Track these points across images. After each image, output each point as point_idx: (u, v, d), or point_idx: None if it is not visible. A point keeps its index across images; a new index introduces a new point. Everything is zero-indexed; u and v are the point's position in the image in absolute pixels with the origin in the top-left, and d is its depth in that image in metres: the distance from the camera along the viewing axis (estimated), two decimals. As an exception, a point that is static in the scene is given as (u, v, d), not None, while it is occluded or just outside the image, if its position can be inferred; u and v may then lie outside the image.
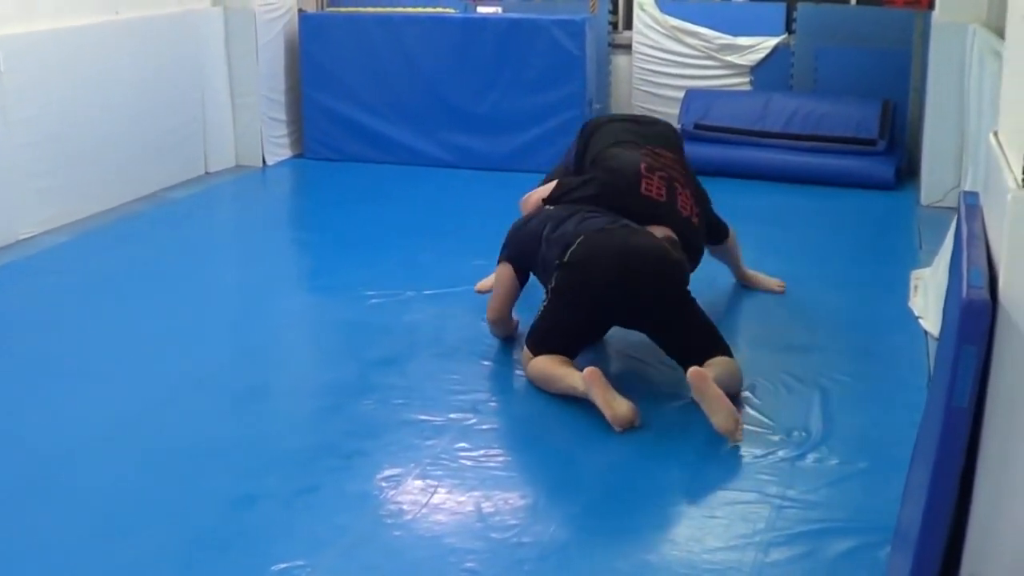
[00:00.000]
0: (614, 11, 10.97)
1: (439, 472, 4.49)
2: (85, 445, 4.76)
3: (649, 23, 10.66)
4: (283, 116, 10.33)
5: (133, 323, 6.20)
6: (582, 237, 5.24)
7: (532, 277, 5.69)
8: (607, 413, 4.79)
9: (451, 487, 4.38)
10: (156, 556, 3.92)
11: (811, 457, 4.61)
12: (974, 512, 2.90)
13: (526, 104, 9.74)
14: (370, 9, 10.53)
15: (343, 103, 10.14)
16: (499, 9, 10.62)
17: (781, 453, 4.64)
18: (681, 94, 10.13)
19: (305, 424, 5.03)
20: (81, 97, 8.20)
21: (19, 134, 7.62)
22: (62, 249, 7.59)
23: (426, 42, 9.92)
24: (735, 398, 5.03)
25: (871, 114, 9.32)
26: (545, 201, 5.85)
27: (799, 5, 10.23)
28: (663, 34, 10.62)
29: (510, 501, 4.29)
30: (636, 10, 10.73)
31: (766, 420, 4.92)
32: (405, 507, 4.23)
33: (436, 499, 4.29)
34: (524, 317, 5.76)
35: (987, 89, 6.37)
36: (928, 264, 6.64)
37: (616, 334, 5.60)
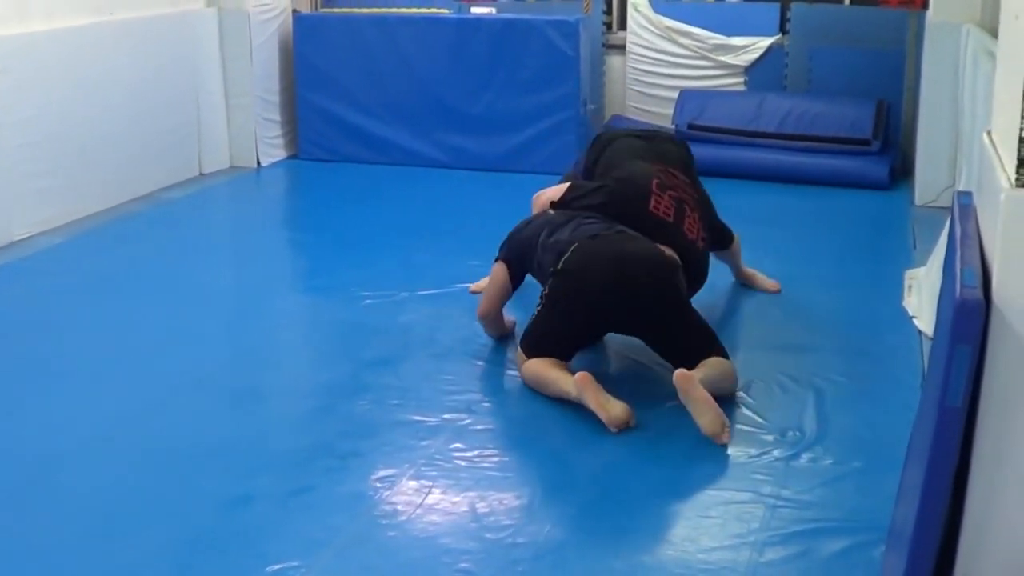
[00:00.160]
0: (608, 11, 10.97)
1: (434, 472, 4.49)
2: (80, 446, 4.76)
3: (643, 23, 10.67)
4: (277, 117, 10.33)
5: (128, 324, 6.20)
6: (576, 244, 5.24)
7: (529, 277, 5.69)
8: (602, 416, 4.79)
9: (446, 487, 4.38)
10: (151, 556, 3.92)
11: (806, 457, 4.61)
12: (968, 511, 2.90)
13: (520, 105, 9.74)
14: (364, 10, 10.53)
15: (337, 104, 10.14)
16: (493, 10, 10.62)
17: (776, 453, 4.64)
18: (675, 94, 10.14)
19: (300, 424, 5.03)
20: (75, 98, 8.19)
21: (14, 135, 7.61)
22: (57, 250, 7.59)
23: (420, 43, 9.91)
24: (729, 399, 5.04)
25: (865, 114, 9.33)
26: (554, 204, 5.84)
27: (793, 5, 10.24)
28: (657, 34, 10.62)
29: (505, 501, 4.30)
30: (630, 10, 10.73)
31: (760, 420, 4.93)
32: (400, 507, 4.23)
33: (431, 499, 4.29)
34: (520, 318, 5.76)
35: (981, 89, 6.38)
36: (922, 264, 6.65)
37: (611, 334, 5.60)
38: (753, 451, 4.66)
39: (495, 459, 4.66)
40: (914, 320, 6.06)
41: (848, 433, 4.84)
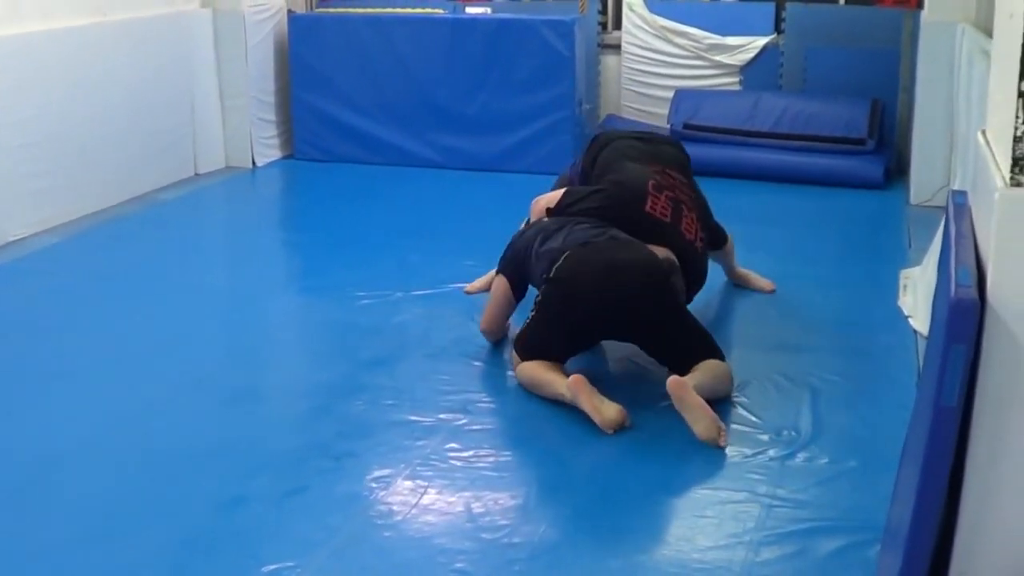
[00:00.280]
0: (603, 11, 10.98)
1: (429, 473, 4.49)
2: (76, 446, 4.75)
3: (638, 23, 10.67)
4: (273, 117, 10.32)
5: (124, 324, 6.19)
6: (567, 253, 5.22)
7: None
8: (596, 418, 4.79)
9: (441, 488, 4.38)
10: (147, 557, 3.92)
11: (801, 456, 4.61)
12: (963, 510, 2.91)
13: (516, 105, 9.73)
14: (359, 10, 10.52)
15: (333, 104, 10.14)
16: (488, 10, 10.61)
17: (771, 452, 4.64)
18: (670, 94, 10.13)
19: (295, 425, 5.03)
20: (71, 99, 8.19)
21: (8, 136, 7.61)
22: (53, 251, 7.59)
23: (415, 43, 9.91)
24: (725, 400, 5.04)
25: (860, 113, 9.33)
26: (550, 211, 5.83)
27: (788, 5, 10.24)
28: (652, 34, 10.63)
29: (500, 501, 4.29)
30: (625, 10, 10.74)
31: (756, 419, 4.93)
32: (395, 508, 4.23)
33: (426, 500, 4.29)
34: (518, 318, 5.76)
35: (976, 88, 6.38)
36: (917, 263, 6.65)
37: (606, 334, 5.61)
38: (749, 450, 4.66)
39: (491, 459, 4.65)
40: (909, 319, 6.06)
41: (844, 432, 4.84)
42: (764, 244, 7.50)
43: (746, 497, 4.30)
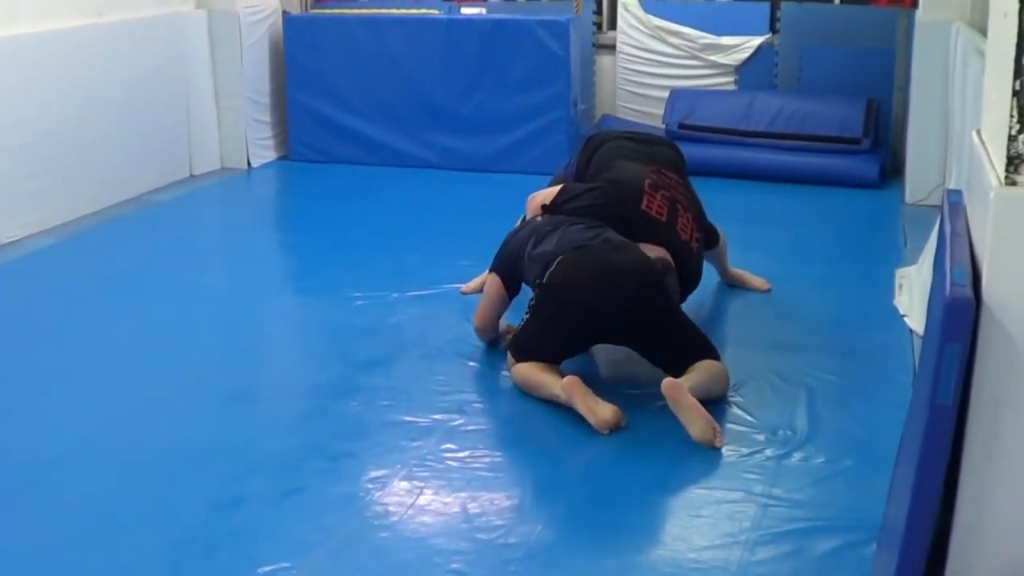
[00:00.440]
0: (598, 11, 10.96)
1: (425, 473, 4.49)
2: (71, 449, 4.75)
3: (633, 23, 10.67)
4: (268, 118, 10.31)
5: (119, 326, 6.19)
6: (560, 257, 5.21)
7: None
8: (591, 419, 4.79)
9: (437, 488, 4.38)
10: (143, 558, 3.92)
11: (797, 455, 4.61)
12: (959, 509, 2.91)
13: (511, 105, 9.73)
14: (354, 11, 10.53)
15: (328, 105, 10.13)
16: (483, 10, 10.60)
17: (767, 452, 4.64)
18: (665, 94, 10.12)
19: (291, 426, 5.02)
20: (66, 100, 8.18)
21: (4, 137, 7.60)
22: (48, 252, 7.58)
23: (410, 43, 9.90)
24: (720, 400, 5.04)
25: (855, 113, 9.33)
26: (545, 208, 5.83)
27: (783, 4, 10.23)
28: (647, 34, 10.62)
29: (496, 502, 4.30)
30: (620, 10, 10.73)
31: (752, 419, 4.93)
32: (391, 508, 4.23)
33: (422, 500, 4.29)
34: (512, 317, 5.76)
35: (971, 87, 6.38)
36: (913, 262, 6.66)
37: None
38: (744, 450, 4.66)
39: (486, 459, 4.66)
40: (905, 319, 6.06)
41: (839, 432, 4.85)
42: (759, 244, 7.50)
43: (742, 497, 4.30)
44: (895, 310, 6.23)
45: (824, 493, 4.34)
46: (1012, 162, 2.81)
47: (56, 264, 7.39)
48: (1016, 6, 2.79)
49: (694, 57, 10.49)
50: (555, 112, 9.65)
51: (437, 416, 4.99)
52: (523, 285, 5.63)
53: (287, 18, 10.23)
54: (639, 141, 6.38)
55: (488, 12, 10.47)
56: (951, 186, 6.90)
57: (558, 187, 5.99)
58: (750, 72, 10.33)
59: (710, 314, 6.31)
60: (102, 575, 3.86)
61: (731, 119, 9.61)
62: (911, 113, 8.68)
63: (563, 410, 4.94)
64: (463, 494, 4.33)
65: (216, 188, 9.53)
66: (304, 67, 10.13)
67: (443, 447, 4.70)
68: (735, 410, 5.02)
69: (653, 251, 5.38)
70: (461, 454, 4.65)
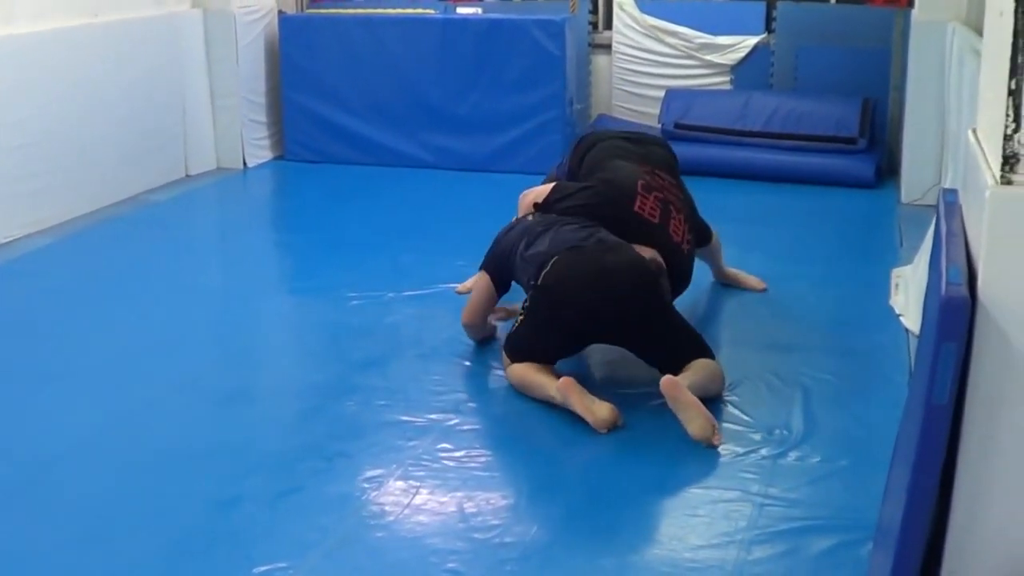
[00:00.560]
0: (594, 11, 10.97)
1: (421, 473, 4.49)
2: (68, 449, 4.75)
3: (629, 23, 10.67)
4: (263, 118, 10.31)
5: (115, 326, 6.19)
6: (555, 258, 5.20)
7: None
8: (588, 419, 4.79)
9: (433, 488, 4.38)
10: (139, 559, 3.91)
11: (793, 455, 4.62)
12: (955, 509, 2.91)
13: (507, 105, 9.73)
14: (350, 10, 10.53)
15: (324, 105, 10.13)
16: (479, 10, 10.61)
17: (763, 451, 4.64)
18: (661, 93, 10.13)
19: (288, 426, 5.02)
20: (61, 100, 8.17)
21: (0, 138, 7.59)
22: (44, 252, 7.57)
23: (406, 43, 9.90)
24: (716, 399, 5.04)
25: (851, 112, 9.33)
26: (538, 206, 5.82)
27: (779, 4, 10.24)
28: (643, 34, 10.62)
29: (492, 501, 4.30)
30: (616, 10, 10.73)
31: (748, 418, 4.93)
32: (387, 508, 4.23)
33: (418, 500, 4.29)
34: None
35: (966, 87, 6.39)
36: (909, 262, 6.66)
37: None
38: (740, 449, 4.66)
39: (482, 459, 4.66)
40: (901, 318, 6.06)
41: (835, 431, 4.85)
42: (755, 243, 7.50)
43: (738, 496, 4.30)
44: (891, 310, 6.23)
45: (820, 492, 4.34)
46: (1008, 161, 2.81)
47: (53, 264, 7.39)
48: (1012, 5, 2.79)
49: (690, 57, 10.50)
50: (551, 112, 9.65)
51: (433, 416, 4.99)
52: (513, 283, 5.63)
53: (283, 18, 10.23)
54: (633, 141, 6.37)
55: (484, 12, 10.49)
56: (947, 185, 6.90)
57: (550, 185, 5.98)
58: (746, 72, 10.34)
59: (706, 314, 6.31)
60: (99, 574, 3.85)
61: (727, 119, 9.61)
62: (907, 113, 8.69)
63: (559, 409, 4.94)
64: (459, 494, 4.33)
65: (212, 188, 9.52)
66: (300, 67, 10.12)
67: (439, 447, 4.70)
68: (731, 409, 5.02)
69: (645, 252, 5.38)
70: (457, 454, 4.65)
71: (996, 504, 2.87)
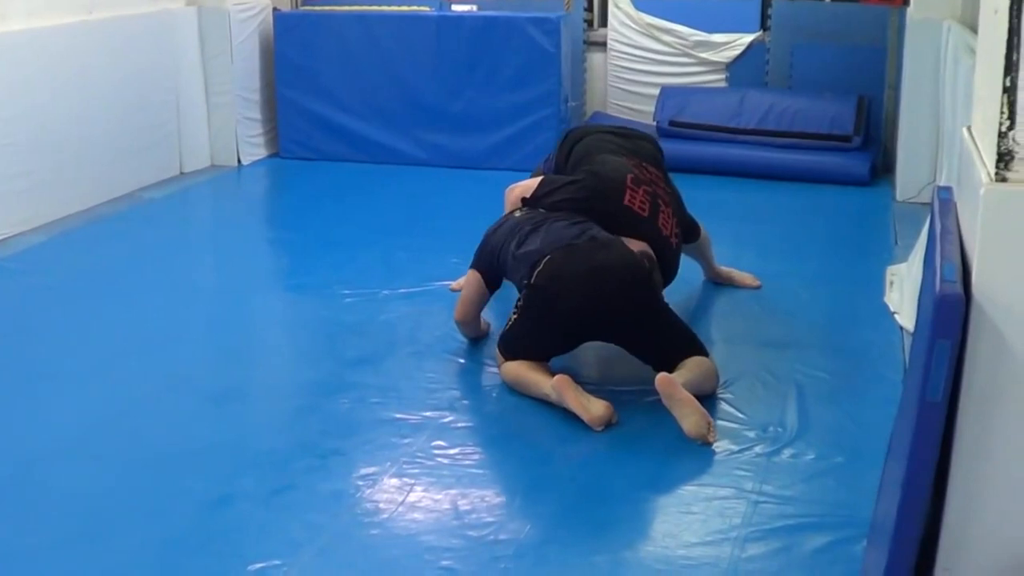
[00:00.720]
0: (589, 8, 10.96)
1: (415, 470, 4.48)
2: (61, 447, 4.74)
3: (624, 20, 10.67)
4: (258, 115, 10.30)
5: (109, 324, 6.18)
6: (548, 257, 5.19)
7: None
8: (584, 416, 4.79)
9: (427, 485, 4.38)
10: (132, 557, 3.91)
11: (787, 452, 4.62)
12: (949, 506, 2.91)
13: (501, 102, 9.73)
14: (345, 8, 10.51)
15: (318, 102, 10.12)
16: (474, 7, 10.60)
17: (757, 448, 4.64)
18: (656, 91, 10.13)
19: (281, 424, 5.02)
20: (56, 98, 8.16)
21: (-7, 135, 7.61)
22: (37, 250, 7.56)
23: (401, 40, 9.89)
24: (711, 396, 5.04)
25: (846, 110, 9.34)
26: (525, 201, 5.81)
27: (774, 2, 10.23)
28: (638, 31, 10.62)
29: (486, 499, 4.29)
30: (611, 7, 10.73)
31: (742, 416, 4.93)
32: (381, 506, 4.22)
33: (412, 497, 4.28)
34: (498, 315, 5.75)
35: (961, 85, 6.39)
36: (903, 260, 6.66)
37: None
38: (735, 447, 4.66)
39: (477, 456, 4.66)
40: (895, 316, 6.06)
41: (830, 428, 4.85)
42: (750, 241, 7.51)
43: (732, 493, 4.30)
44: (886, 307, 6.23)
45: (814, 490, 4.34)
46: (1002, 158, 2.81)
47: (46, 262, 7.37)
48: (1007, 3, 2.79)
49: (685, 54, 10.51)
50: (546, 109, 9.65)
51: (427, 413, 4.99)
52: (504, 280, 5.63)
53: (277, 15, 10.21)
54: (620, 135, 6.37)
55: (479, 9, 10.49)
56: (942, 183, 6.90)
57: (537, 180, 5.96)
58: (741, 69, 10.35)
59: (700, 311, 6.31)
60: (92, 573, 3.85)
61: (722, 116, 9.62)
62: (902, 110, 8.68)
63: (553, 407, 4.94)
64: (453, 491, 4.33)
65: (206, 185, 9.51)
66: (294, 64, 10.11)
67: (433, 444, 4.70)
68: (725, 407, 5.02)
69: (635, 245, 5.38)
70: (451, 451, 4.65)
71: (990, 501, 2.87)
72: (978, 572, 2.93)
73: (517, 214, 5.68)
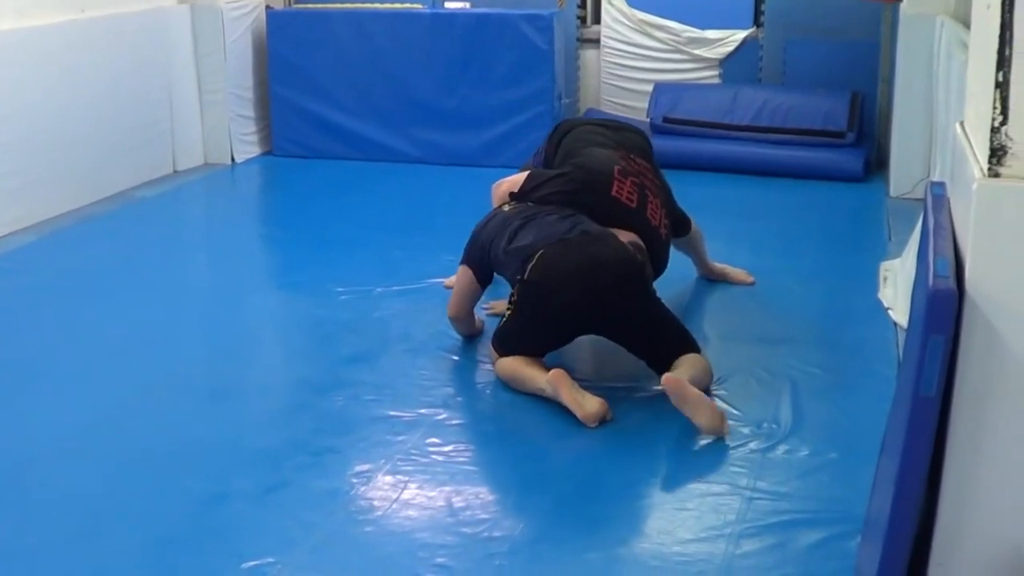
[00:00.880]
0: (582, 5, 10.97)
1: (409, 468, 4.48)
2: (54, 446, 4.73)
3: (617, 17, 10.67)
4: (251, 113, 10.29)
5: (102, 323, 6.17)
6: (541, 252, 5.19)
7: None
8: (578, 412, 4.79)
9: (421, 482, 4.37)
10: (126, 556, 3.91)
11: (781, 448, 4.62)
12: (943, 501, 2.91)
13: (495, 99, 9.73)
14: (338, 5, 10.50)
15: (311, 100, 10.11)
16: (467, 4, 10.60)
17: (752, 445, 4.64)
18: (650, 88, 10.13)
19: (275, 421, 5.01)
20: (47, 97, 8.15)
21: (-15, 134, 7.60)
22: (30, 249, 7.55)
23: (394, 38, 9.89)
24: (706, 393, 5.03)
25: (840, 106, 9.34)
26: (513, 196, 5.81)
27: (767, -2, 10.26)
28: (631, 28, 10.62)
29: (481, 496, 4.30)
30: (604, 4, 10.73)
31: (736, 412, 4.93)
32: (375, 503, 4.22)
33: (406, 495, 4.28)
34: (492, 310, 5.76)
35: (955, 80, 6.39)
36: (897, 255, 6.66)
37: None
38: (729, 443, 4.66)
39: (471, 453, 4.66)
40: (889, 311, 6.07)
41: (824, 424, 4.85)
42: (744, 237, 7.51)
43: (727, 489, 4.30)
44: (879, 303, 6.23)
45: (809, 486, 4.34)
46: (995, 154, 2.80)
47: (39, 261, 7.37)
48: (999, -3, 2.79)
49: (678, 51, 10.50)
50: (539, 106, 9.64)
51: (422, 410, 4.99)
52: (496, 275, 5.63)
53: (270, 13, 10.20)
54: (609, 127, 6.37)
55: (472, 6, 10.48)
56: (935, 179, 6.90)
57: (525, 174, 5.95)
58: (734, 66, 10.35)
59: (694, 307, 6.31)
60: (86, 571, 3.85)
61: (715, 113, 9.61)
62: (896, 106, 8.69)
63: (548, 403, 4.94)
64: (448, 488, 4.33)
65: (200, 184, 9.51)
66: (287, 62, 10.11)
67: (427, 441, 4.70)
68: (719, 403, 5.01)
69: (624, 236, 5.38)
70: (446, 448, 4.65)
71: (984, 496, 2.87)
72: (972, 567, 2.93)
73: (506, 208, 5.68)
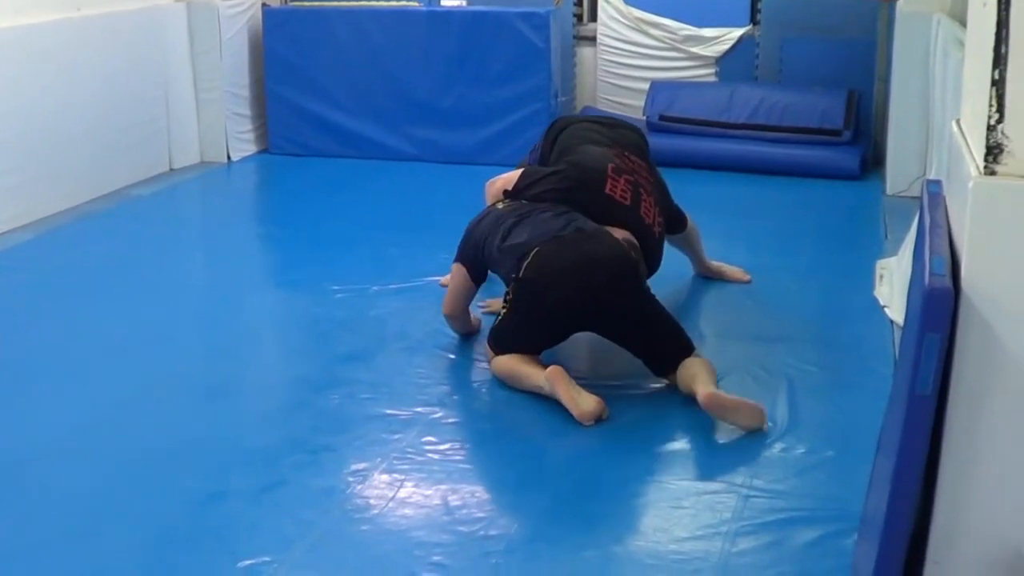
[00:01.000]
0: (579, 3, 10.98)
1: (406, 466, 4.48)
2: (51, 444, 4.73)
3: (614, 15, 10.67)
4: (247, 111, 10.29)
5: (98, 321, 6.16)
6: (536, 250, 5.18)
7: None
8: (573, 410, 4.78)
9: (418, 481, 4.37)
10: (123, 554, 3.90)
11: (778, 446, 4.62)
12: (939, 498, 2.91)
13: (491, 97, 9.73)
14: (334, 3, 10.49)
15: (308, 98, 10.11)
16: (463, 2, 10.61)
17: (748, 443, 4.64)
18: (646, 86, 10.13)
19: (272, 420, 5.00)
20: (43, 95, 8.14)
21: (-19, 132, 7.59)
22: (26, 248, 7.55)
23: (390, 36, 9.89)
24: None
25: (836, 104, 9.34)
26: (507, 193, 5.81)
27: (763, -4, 10.26)
28: (628, 26, 10.63)
29: (477, 494, 4.30)
30: (600, 2, 10.74)
31: (733, 410, 4.92)
32: (372, 501, 4.22)
33: (403, 493, 4.28)
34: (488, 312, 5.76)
35: (951, 78, 6.39)
36: (894, 254, 6.66)
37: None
38: (725, 441, 4.66)
39: (467, 452, 4.66)
40: (885, 310, 6.07)
41: (820, 422, 4.85)
42: (740, 235, 7.51)
43: (723, 487, 4.30)
44: (876, 301, 6.23)
45: (805, 484, 4.34)
46: (991, 152, 2.80)
47: (35, 259, 7.36)
48: (995, -5, 2.79)
49: (675, 49, 10.51)
50: (535, 104, 9.64)
51: (418, 409, 4.99)
52: (490, 273, 5.62)
53: (266, 11, 10.19)
54: (604, 124, 6.37)
55: (468, 4, 10.48)
56: (931, 177, 6.90)
57: (518, 172, 5.95)
58: (731, 64, 10.36)
59: (691, 305, 6.31)
60: (84, 570, 3.84)
61: (712, 111, 9.61)
62: (892, 104, 8.69)
63: (544, 401, 4.94)
64: (444, 487, 4.33)
65: (196, 182, 9.50)
66: (284, 60, 10.10)
67: (424, 440, 4.69)
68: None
69: (618, 233, 5.38)
70: (442, 447, 4.64)
71: (980, 494, 2.87)
72: (968, 565, 2.93)
73: (500, 206, 5.68)
